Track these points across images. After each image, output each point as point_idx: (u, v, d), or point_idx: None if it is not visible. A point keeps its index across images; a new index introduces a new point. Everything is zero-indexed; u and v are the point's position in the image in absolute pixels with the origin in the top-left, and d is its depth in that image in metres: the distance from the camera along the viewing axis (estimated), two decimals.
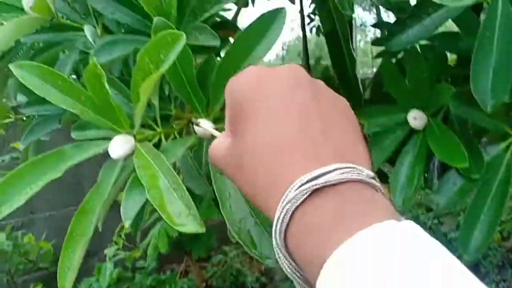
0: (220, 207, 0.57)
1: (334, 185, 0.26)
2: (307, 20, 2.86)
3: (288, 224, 0.27)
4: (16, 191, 0.58)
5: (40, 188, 0.58)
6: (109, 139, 0.64)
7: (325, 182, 0.26)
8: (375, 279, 0.21)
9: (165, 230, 2.40)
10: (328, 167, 0.27)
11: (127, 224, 0.55)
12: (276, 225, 0.27)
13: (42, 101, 0.87)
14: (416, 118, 0.81)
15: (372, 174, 0.28)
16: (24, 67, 0.57)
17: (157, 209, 0.50)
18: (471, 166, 0.77)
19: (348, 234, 0.23)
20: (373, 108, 0.86)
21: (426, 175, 0.97)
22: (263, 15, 0.55)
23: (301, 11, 1.78)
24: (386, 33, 0.70)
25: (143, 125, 0.65)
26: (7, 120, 1.22)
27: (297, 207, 0.26)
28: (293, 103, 0.31)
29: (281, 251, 0.27)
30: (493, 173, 0.79)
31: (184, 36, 0.50)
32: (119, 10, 0.70)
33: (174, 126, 0.75)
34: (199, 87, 0.63)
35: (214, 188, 0.59)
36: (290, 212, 0.27)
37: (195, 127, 0.62)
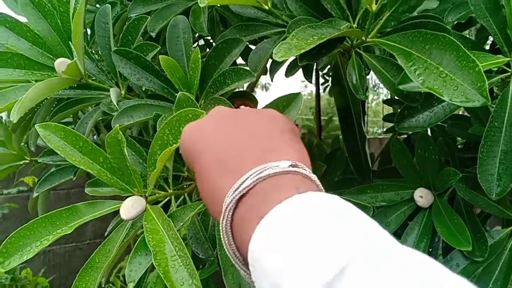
0: (223, 275, 0.58)
1: (253, 186, 0.33)
2: (321, 80, 2.93)
3: (231, 224, 0.34)
4: (27, 243, 0.60)
5: (51, 242, 0.60)
6: (120, 197, 0.67)
7: (244, 189, 0.33)
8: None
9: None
10: (246, 174, 0.33)
11: (130, 286, 0.56)
12: (222, 226, 0.34)
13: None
14: (422, 197, 0.83)
15: (288, 163, 0.33)
16: (48, 128, 0.60)
17: (161, 275, 0.52)
18: (475, 249, 0.78)
19: (266, 211, 0.30)
20: (380, 183, 0.88)
21: (430, 250, 0.97)
22: (281, 98, 0.59)
23: (317, 71, 1.86)
24: (398, 115, 0.73)
25: (154, 185, 0.68)
26: (22, 162, 1.26)
27: (233, 212, 0.34)
28: (213, 140, 0.39)
29: (227, 243, 0.35)
30: (496, 257, 0.80)
31: (204, 114, 0.53)
32: (145, 77, 0.75)
33: (184, 187, 0.78)
34: None
35: (219, 255, 0.60)
36: (230, 216, 0.34)
37: None
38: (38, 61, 0.75)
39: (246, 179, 0.33)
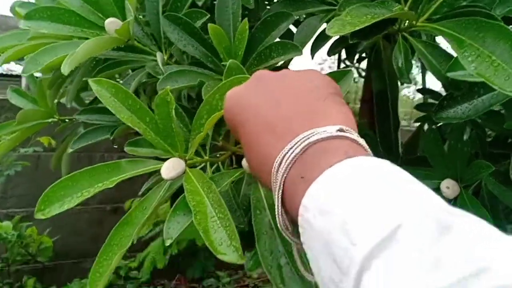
0: (256, 241, 0.60)
1: (303, 152, 0.33)
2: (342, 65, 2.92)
3: (283, 190, 0.34)
4: (69, 193, 0.62)
5: (91, 195, 0.62)
6: (160, 159, 0.68)
7: (295, 155, 0.33)
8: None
9: (165, 246, 2.42)
10: (296, 139, 0.34)
11: (167, 242, 0.58)
12: (274, 191, 0.34)
13: (96, 111, 0.93)
14: (449, 188, 0.83)
15: (337, 127, 0.33)
16: (101, 84, 0.62)
17: (201, 234, 0.54)
18: None
19: (311, 182, 0.31)
20: (409, 170, 0.88)
21: None
22: (331, 74, 0.59)
23: (339, 57, 1.86)
24: (437, 105, 0.73)
25: None
26: (51, 120, 1.28)
27: (283, 177, 0.34)
28: (259, 104, 0.39)
29: (278, 206, 0.35)
30: None
31: None
32: (191, 44, 0.76)
33: (218, 156, 0.79)
34: None
35: (253, 223, 0.62)
36: (282, 181, 0.34)
37: (243, 161, 0.66)
38: (88, 19, 0.76)
39: (295, 144, 0.33)
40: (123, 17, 0.76)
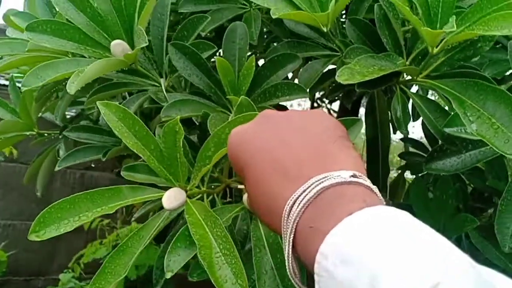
0: (256, 280, 0.60)
1: (316, 196, 0.32)
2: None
3: (295, 234, 0.32)
4: (66, 216, 0.60)
5: (90, 219, 0.60)
6: (157, 186, 0.67)
7: (309, 199, 0.32)
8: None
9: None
10: (308, 182, 0.32)
11: (168, 275, 0.57)
12: (286, 235, 0.33)
13: (87, 129, 0.91)
14: None
15: (350, 173, 0.32)
16: (110, 107, 0.61)
17: (206, 270, 0.53)
18: None
19: (330, 229, 0.29)
20: None
21: None
22: (340, 121, 0.61)
23: (313, 96, 1.90)
24: (427, 155, 0.77)
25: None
26: (29, 133, 1.24)
27: (296, 221, 0.32)
28: (266, 144, 0.37)
29: (288, 251, 0.33)
30: None
31: None
32: (196, 74, 0.76)
33: (212, 187, 0.79)
34: None
35: (253, 262, 0.61)
36: (294, 225, 0.32)
37: (245, 197, 0.66)
38: (93, 38, 0.75)
39: (308, 187, 0.32)
40: (128, 39, 0.76)
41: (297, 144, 0.37)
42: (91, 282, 0.60)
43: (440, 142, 0.93)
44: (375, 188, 0.34)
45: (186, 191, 0.65)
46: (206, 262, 0.54)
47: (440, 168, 0.77)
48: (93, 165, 1.28)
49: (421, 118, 1.00)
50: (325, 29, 0.72)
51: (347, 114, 1.22)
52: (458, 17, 0.61)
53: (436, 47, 0.65)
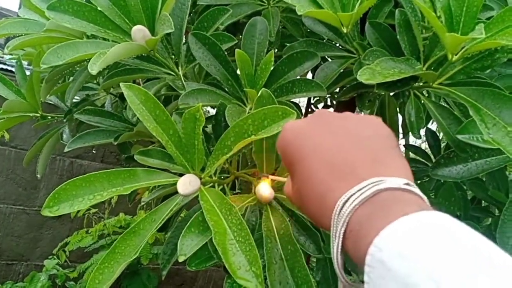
0: (266, 269, 0.60)
1: (372, 196, 0.33)
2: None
3: (345, 229, 0.34)
4: (81, 194, 0.60)
5: (104, 199, 0.60)
6: (171, 172, 0.68)
7: (366, 197, 0.33)
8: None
9: None
10: (364, 183, 0.34)
11: (181, 259, 0.57)
12: (337, 228, 0.34)
13: (98, 113, 0.91)
14: None
15: (404, 181, 0.33)
16: (133, 89, 0.61)
17: (221, 255, 0.53)
18: None
19: (384, 225, 0.30)
20: None
21: None
22: None
23: (308, 101, 1.91)
24: (434, 162, 0.78)
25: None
26: (33, 114, 1.23)
27: (348, 216, 0.33)
28: (322, 141, 0.38)
29: (337, 243, 0.34)
30: None
31: (295, 115, 0.56)
32: (214, 65, 0.77)
33: (222, 178, 0.80)
34: (270, 153, 0.69)
35: (264, 251, 0.62)
36: (347, 219, 0.33)
37: (258, 187, 0.66)
38: (114, 22, 0.75)
39: (364, 187, 0.34)
40: (150, 25, 0.76)
41: (352, 147, 0.38)
42: (100, 262, 0.60)
43: (443, 150, 0.95)
44: (425, 198, 0.35)
45: (200, 179, 0.65)
46: (221, 247, 0.54)
47: (446, 174, 0.78)
48: (94, 151, 1.27)
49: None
50: (345, 30, 0.73)
51: None
52: (482, 24, 0.63)
53: (456, 54, 0.67)
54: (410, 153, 1.18)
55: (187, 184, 0.62)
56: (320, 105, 2.74)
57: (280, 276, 0.60)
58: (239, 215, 0.57)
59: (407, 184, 0.34)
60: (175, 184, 0.63)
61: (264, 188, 0.66)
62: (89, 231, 2.59)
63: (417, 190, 0.34)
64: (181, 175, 0.65)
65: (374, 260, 0.30)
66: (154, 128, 0.62)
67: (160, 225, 0.63)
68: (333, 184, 0.36)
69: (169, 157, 0.69)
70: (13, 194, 2.80)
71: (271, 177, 0.65)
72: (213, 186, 0.73)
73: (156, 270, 2.71)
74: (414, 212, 0.30)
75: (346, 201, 0.34)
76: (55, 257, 2.60)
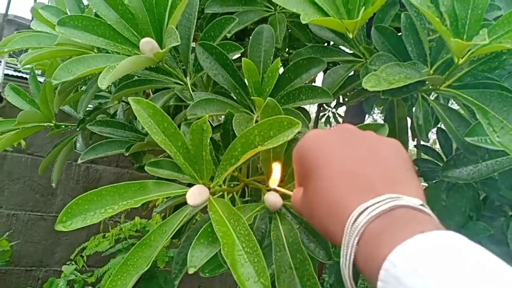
0: (275, 278, 0.61)
1: (389, 211, 0.33)
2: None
3: (358, 242, 0.34)
4: (93, 208, 0.61)
5: (116, 212, 0.62)
6: (180, 183, 0.69)
7: (383, 210, 0.33)
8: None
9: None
10: (381, 197, 0.34)
11: (191, 270, 0.58)
12: (350, 239, 0.34)
13: (110, 124, 0.92)
14: None
15: (419, 202, 0.34)
16: (141, 103, 0.63)
17: (229, 267, 0.54)
18: None
19: (400, 240, 0.31)
20: None
21: None
22: (364, 126, 0.62)
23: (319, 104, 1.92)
24: (444, 163, 0.78)
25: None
26: (47, 124, 1.26)
27: (363, 228, 0.34)
28: (343, 153, 0.39)
29: (348, 254, 0.35)
30: None
31: (300, 125, 0.56)
32: (221, 74, 0.78)
33: (231, 186, 0.81)
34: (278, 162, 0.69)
35: (273, 260, 0.63)
36: (361, 231, 0.34)
37: (267, 196, 0.67)
38: (123, 35, 0.77)
39: (381, 201, 0.34)
40: (158, 37, 0.77)
41: (371, 163, 0.38)
42: (113, 274, 0.62)
43: (454, 149, 0.95)
44: (437, 221, 0.35)
45: (209, 189, 0.66)
46: (229, 259, 0.55)
47: (456, 176, 0.78)
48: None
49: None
50: (351, 36, 0.73)
51: (352, 119, 1.24)
52: (486, 29, 0.62)
53: (462, 58, 0.66)
54: (421, 153, 1.17)
55: (196, 195, 0.63)
56: (333, 103, 2.74)
57: (289, 285, 0.61)
58: (247, 225, 0.58)
59: (422, 205, 0.35)
60: (184, 195, 0.64)
61: (272, 197, 0.66)
62: (106, 236, 2.62)
63: (431, 212, 0.35)
64: (190, 185, 0.66)
65: (388, 275, 0.30)
66: (163, 141, 0.63)
67: (171, 236, 0.64)
68: (350, 194, 0.36)
69: (179, 167, 0.70)
70: (31, 201, 2.85)
71: (277, 188, 0.65)
72: (223, 195, 0.73)
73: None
74: (430, 231, 0.31)
75: (362, 212, 0.34)
76: (73, 262, 2.64)
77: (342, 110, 2.88)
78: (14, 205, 2.83)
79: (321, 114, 3.11)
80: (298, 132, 0.63)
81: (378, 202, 0.34)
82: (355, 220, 0.35)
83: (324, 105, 3.03)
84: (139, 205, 0.63)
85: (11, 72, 3.08)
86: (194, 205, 0.63)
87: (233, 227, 0.59)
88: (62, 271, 2.54)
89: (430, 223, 0.33)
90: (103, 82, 0.65)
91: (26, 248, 2.83)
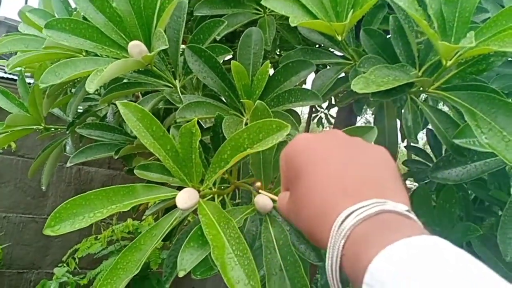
0: (266, 281, 0.61)
1: (375, 214, 0.33)
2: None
3: (344, 244, 0.34)
4: (81, 212, 0.61)
5: (104, 216, 0.61)
6: (170, 186, 0.69)
7: (369, 214, 0.33)
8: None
9: None
10: (367, 201, 0.34)
11: (181, 274, 0.58)
12: (335, 241, 0.34)
13: (98, 127, 0.92)
14: None
15: (406, 207, 0.34)
16: (129, 107, 0.62)
17: (219, 269, 0.54)
18: None
19: (386, 243, 0.31)
20: None
21: None
22: (353, 129, 0.62)
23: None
24: (433, 164, 0.78)
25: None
26: (36, 127, 1.25)
27: (349, 230, 0.34)
28: (331, 157, 0.39)
29: (333, 256, 0.35)
30: None
31: (289, 128, 0.56)
32: (211, 77, 0.77)
33: (222, 188, 0.80)
34: (267, 165, 0.69)
35: (264, 263, 0.63)
36: (347, 233, 0.34)
37: (257, 199, 0.67)
38: (111, 38, 0.76)
39: (368, 205, 0.34)
40: (146, 40, 0.77)
41: (360, 168, 0.39)
42: (103, 278, 0.61)
43: (444, 151, 0.95)
44: (423, 228, 0.35)
45: (199, 191, 0.66)
46: (219, 262, 0.55)
47: (445, 177, 0.79)
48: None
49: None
50: (339, 38, 0.73)
51: (344, 120, 1.24)
52: (473, 32, 0.63)
53: (450, 60, 0.67)
54: (412, 154, 1.18)
55: (186, 198, 0.63)
56: (325, 105, 2.74)
57: (280, 287, 0.61)
58: (237, 228, 0.58)
59: (408, 211, 0.35)
60: (174, 198, 0.64)
61: (262, 199, 0.66)
62: (98, 238, 2.61)
63: (416, 218, 0.35)
64: (180, 188, 0.66)
65: (374, 279, 0.30)
66: (152, 144, 0.63)
67: (160, 239, 0.64)
68: (337, 197, 0.36)
69: (168, 171, 0.70)
70: (22, 203, 2.83)
71: (262, 192, 0.65)
72: (213, 198, 0.73)
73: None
74: (416, 236, 0.31)
75: (349, 215, 0.34)
76: (65, 264, 2.63)
77: (334, 111, 2.90)
78: (5, 207, 2.81)
79: (313, 115, 3.13)
80: (288, 135, 0.64)
81: (364, 206, 0.34)
82: (342, 223, 0.34)
83: (317, 106, 3.05)
84: (128, 209, 0.62)
85: (1, 74, 3.05)
86: (183, 209, 0.63)
87: (223, 230, 0.59)
88: (54, 273, 2.53)
89: (416, 228, 0.33)
90: (91, 86, 0.65)
91: (18, 250, 2.81)
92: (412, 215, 0.34)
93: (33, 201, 2.89)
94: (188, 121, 0.63)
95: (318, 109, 3.11)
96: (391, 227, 0.33)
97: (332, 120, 3.11)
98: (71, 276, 2.50)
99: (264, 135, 0.59)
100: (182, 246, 0.60)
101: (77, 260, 2.62)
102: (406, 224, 0.33)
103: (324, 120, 3.27)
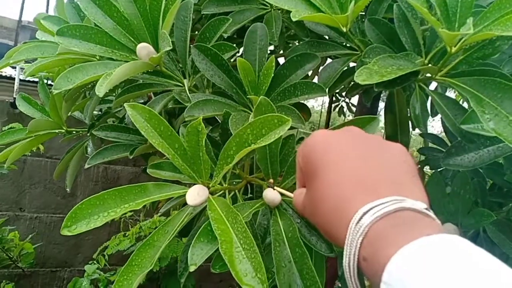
0: (275, 273, 0.62)
1: (393, 212, 0.33)
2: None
3: (362, 242, 0.34)
4: (96, 212, 0.63)
5: (118, 215, 0.64)
6: (181, 183, 0.70)
7: (388, 211, 0.33)
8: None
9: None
10: (386, 199, 0.34)
11: (191, 268, 0.60)
12: (354, 236, 0.34)
13: (114, 128, 0.94)
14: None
15: (424, 205, 0.34)
16: (136, 108, 0.64)
17: (227, 263, 0.56)
18: None
19: (405, 242, 0.31)
20: None
21: None
22: (356, 119, 0.63)
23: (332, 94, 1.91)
24: (445, 151, 0.77)
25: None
26: (58, 130, 1.29)
27: (368, 226, 0.34)
28: (349, 154, 0.39)
29: (352, 252, 0.34)
30: None
31: (290, 122, 0.57)
32: (218, 75, 0.79)
33: (234, 183, 0.82)
34: (275, 159, 0.70)
35: (273, 255, 0.64)
36: (366, 229, 0.34)
37: (265, 193, 0.68)
38: (120, 41, 0.78)
39: (387, 202, 0.34)
40: (154, 42, 0.78)
41: (378, 165, 0.39)
42: (119, 274, 0.64)
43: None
44: (442, 226, 0.35)
45: (208, 188, 0.68)
46: (227, 256, 0.56)
47: (458, 163, 0.78)
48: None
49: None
50: (344, 29, 0.73)
51: (366, 108, 1.23)
52: (477, 17, 0.62)
53: (454, 46, 0.66)
54: (429, 142, 1.17)
55: (195, 195, 0.65)
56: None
57: (289, 279, 0.62)
58: (243, 223, 0.59)
59: (427, 209, 0.35)
60: (185, 195, 0.66)
61: (270, 193, 0.67)
62: (127, 234, 2.68)
63: (435, 217, 0.35)
64: (191, 185, 0.68)
65: (392, 277, 0.30)
66: (160, 144, 0.65)
67: (173, 236, 0.66)
68: (355, 194, 0.37)
69: (178, 169, 0.72)
70: (52, 203, 2.92)
71: (277, 189, 0.66)
72: (224, 193, 0.75)
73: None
74: (434, 234, 0.31)
75: (366, 212, 0.34)
76: (95, 262, 2.70)
77: (355, 100, 2.87)
78: (36, 208, 2.90)
79: (334, 105, 3.10)
80: (291, 128, 0.65)
81: (383, 203, 0.34)
82: (359, 220, 0.34)
83: (337, 95, 3.03)
84: (140, 206, 0.64)
85: (28, 78, 3.14)
86: (193, 205, 0.64)
87: (231, 225, 0.61)
88: (86, 271, 2.60)
89: (434, 226, 0.33)
90: (100, 90, 0.67)
91: (50, 249, 2.91)
92: (431, 213, 0.35)
93: (62, 200, 2.98)
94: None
95: (339, 98, 3.09)
96: (409, 225, 0.33)
97: (354, 109, 3.08)
98: (101, 273, 2.57)
99: (267, 130, 0.60)
100: (192, 242, 0.62)
101: (107, 257, 2.69)
102: (425, 222, 0.33)
103: (345, 109, 3.24)
